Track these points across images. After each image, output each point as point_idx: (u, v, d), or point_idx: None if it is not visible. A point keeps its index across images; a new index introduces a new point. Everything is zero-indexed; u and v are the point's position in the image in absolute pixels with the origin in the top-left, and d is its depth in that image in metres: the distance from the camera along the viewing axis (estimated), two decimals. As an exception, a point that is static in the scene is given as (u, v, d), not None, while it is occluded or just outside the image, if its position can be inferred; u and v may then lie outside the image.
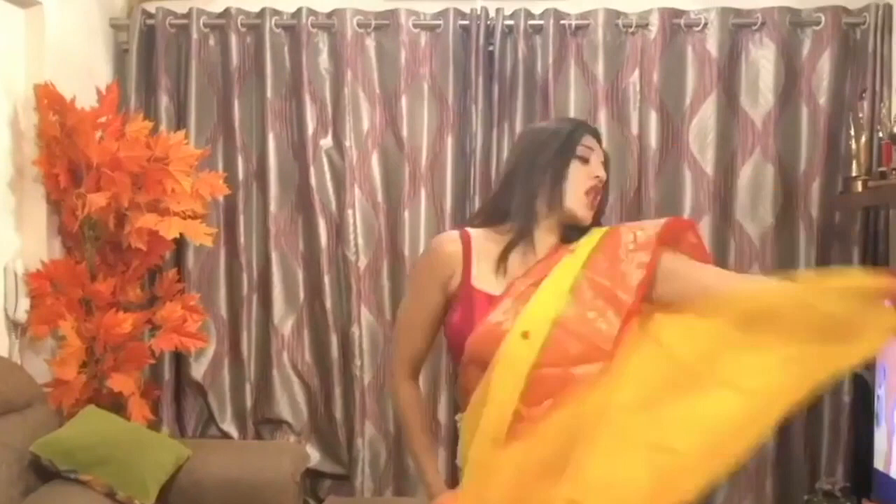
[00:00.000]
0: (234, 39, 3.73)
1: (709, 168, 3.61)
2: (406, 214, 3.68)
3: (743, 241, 3.61)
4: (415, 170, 3.68)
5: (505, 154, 3.54)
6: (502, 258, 1.82)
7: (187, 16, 3.74)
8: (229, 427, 3.77)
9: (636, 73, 3.61)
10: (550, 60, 3.60)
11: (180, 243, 3.66)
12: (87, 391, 3.21)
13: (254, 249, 3.77)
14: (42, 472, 2.79)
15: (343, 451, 3.71)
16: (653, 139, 3.60)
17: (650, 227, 1.82)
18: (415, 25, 3.69)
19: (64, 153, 3.25)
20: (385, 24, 3.70)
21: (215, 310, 3.77)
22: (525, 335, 1.72)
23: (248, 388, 3.76)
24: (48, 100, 3.25)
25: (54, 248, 3.38)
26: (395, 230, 3.71)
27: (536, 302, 1.76)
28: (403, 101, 3.69)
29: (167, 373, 3.72)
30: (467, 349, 1.77)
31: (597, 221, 1.88)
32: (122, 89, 3.73)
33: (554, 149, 1.84)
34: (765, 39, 3.58)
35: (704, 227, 3.58)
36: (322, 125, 3.72)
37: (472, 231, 1.88)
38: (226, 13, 3.73)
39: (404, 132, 3.69)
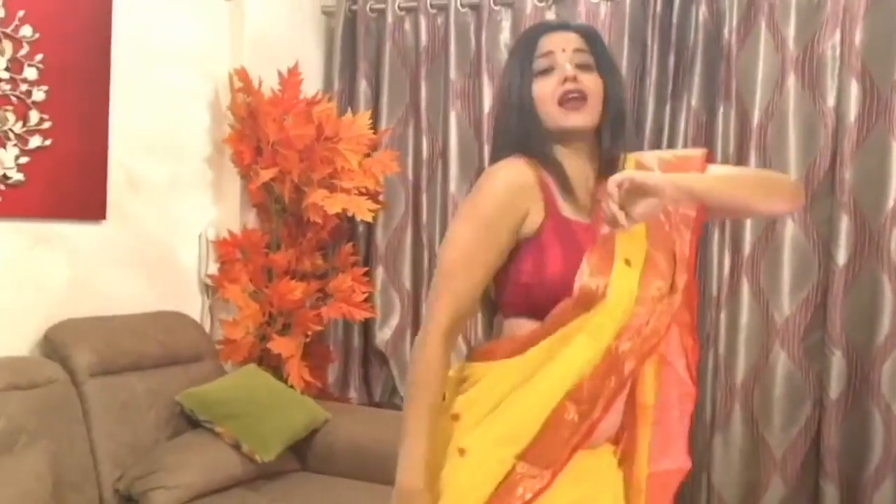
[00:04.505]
0: (423, 21, 3.80)
1: (922, 145, 3.05)
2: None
3: (964, 234, 3.00)
4: (583, 147, 3.49)
5: (678, 131, 3.30)
6: (567, 184, 1.61)
7: (385, 0, 3.88)
8: (409, 396, 3.87)
9: (836, 35, 3.14)
10: (735, 23, 3.24)
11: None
12: (255, 351, 3.49)
13: (436, 228, 3.83)
14: (192, 421, 3.08)
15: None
16: (852, 112, 3.11)
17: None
18: (593, -5, 3.51)
19: (252, 132, 3.55)
20: (565, -5, 3.57)
21: (401, 283, 3.90)
22: (628, 262, 1.55)
23: (426, 360, 3.83)
24: (241, 83, 3.56)
25: (249, 219, 3.70)
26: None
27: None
28: (577, 76, 3.52)
29: (356, 340, 3.92)
30: (578, 289, 1.53)
31: (615, 122, 1.63)
32: (328, 73, 4.00)
33: (515, 79, 1.64)
34: None
35: (913, 218, 3.04)
36: (499, 103, 3.67)
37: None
38: (418, -4, 3.83)
39: (576, 108, 3.53)
